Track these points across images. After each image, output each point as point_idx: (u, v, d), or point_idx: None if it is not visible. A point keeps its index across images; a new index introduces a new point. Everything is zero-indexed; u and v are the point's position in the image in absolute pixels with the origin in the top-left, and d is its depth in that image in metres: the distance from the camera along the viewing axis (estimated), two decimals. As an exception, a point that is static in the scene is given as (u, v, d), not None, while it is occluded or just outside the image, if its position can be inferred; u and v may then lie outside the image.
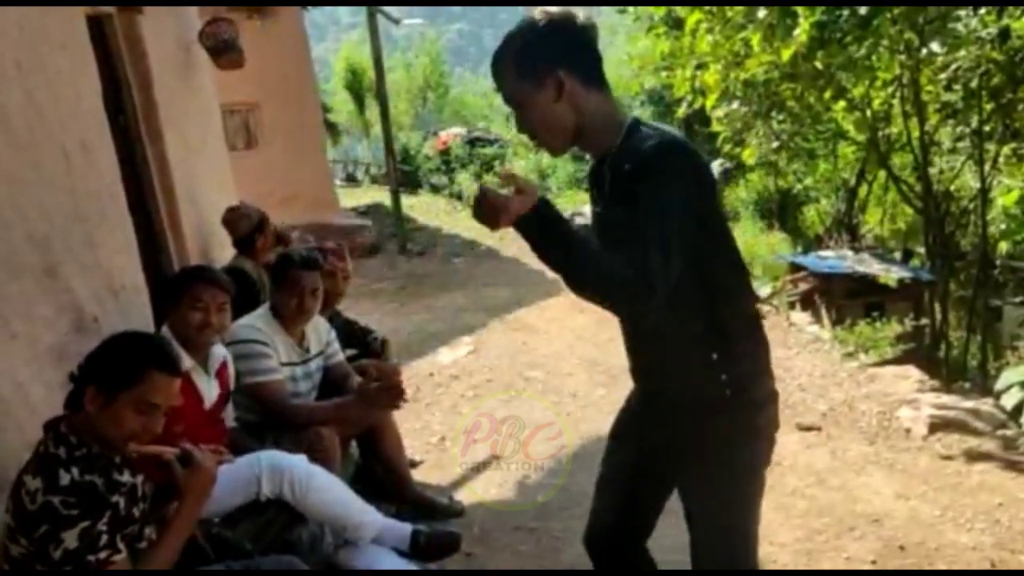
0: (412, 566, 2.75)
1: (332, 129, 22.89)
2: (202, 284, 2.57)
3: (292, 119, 10.84)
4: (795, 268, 8.03)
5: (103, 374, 1.79)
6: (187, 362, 2.48)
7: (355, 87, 25.70)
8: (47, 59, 2.65)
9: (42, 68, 2.60)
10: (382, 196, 15.30)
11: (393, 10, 13.17)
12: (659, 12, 8.42)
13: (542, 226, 1.55)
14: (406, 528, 2.80)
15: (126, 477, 1.86)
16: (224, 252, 4.60)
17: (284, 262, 3.09)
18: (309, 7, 11.78)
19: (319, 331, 3.26)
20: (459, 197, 16.69)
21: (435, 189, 18.70)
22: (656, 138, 1.59)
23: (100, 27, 3.72)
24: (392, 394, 2.80)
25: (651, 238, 1.51)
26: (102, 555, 1.70)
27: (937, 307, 7.50)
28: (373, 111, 24.94)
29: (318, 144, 11.94)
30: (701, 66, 7.72)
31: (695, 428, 1.75)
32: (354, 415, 2.96)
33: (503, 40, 1.67)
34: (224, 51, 4.81)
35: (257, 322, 3.01)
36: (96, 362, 1.84)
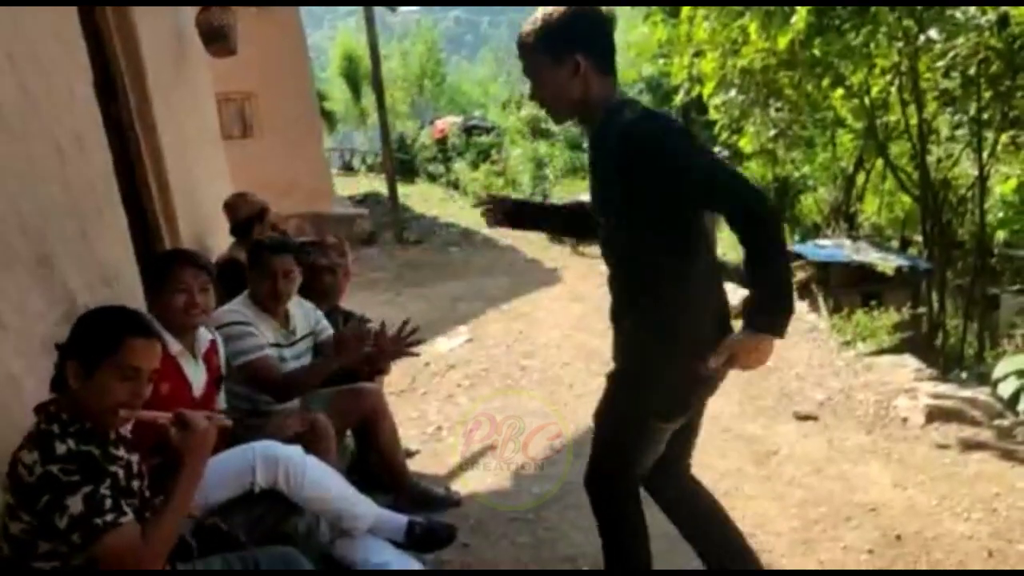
0: (408, 557, 2.74)
1: (329, 118, 22.79)
2: (183, 266, 2.55)
3: (288, 108, 10.79)
4: (793, 257, 8.02)
5: (81, 348, 1.82)
6: (174, 347, 2.47)
7: (351, 75, 25.59)
8: (40, 50, 2.62)
9: (35, 59, 2.57)
10: (379, 185, 15.27)
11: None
12: (656, -1, 8.38)
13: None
14: (402, 519, 2.79)
15: (122, 452, 1.88)
16: (219, 242, 4.59)
17: (256, 248, 3.12)
18: (305, -5, 11.70)
19: (306, 313, 3.26)
20: (456, 186, 16.64)
21: (432, 178, 18.64)
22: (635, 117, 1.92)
23: (91, 16, 3.67)
24: (363, 332, 2.87)
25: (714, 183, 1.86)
26: (109, 517, 1.70)
27: (934, 296, 7.49)
28: (369, 99, 24.81)
29: (315, 133, 11.89)
30: (698, 54, 7.69)
31: (625, 354, 2.11)
32: (336, 364, 2.94)
33: (532, 20, 1.97)
34: (216, 38, 4.76)
35: (237, 307, 3.01)
36: (73, 338, 1.86)
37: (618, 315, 2.14)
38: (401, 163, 17.45)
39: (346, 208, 12.43)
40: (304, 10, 11.72)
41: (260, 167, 9.30)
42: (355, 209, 12.56)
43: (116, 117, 3.83)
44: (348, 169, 21.92)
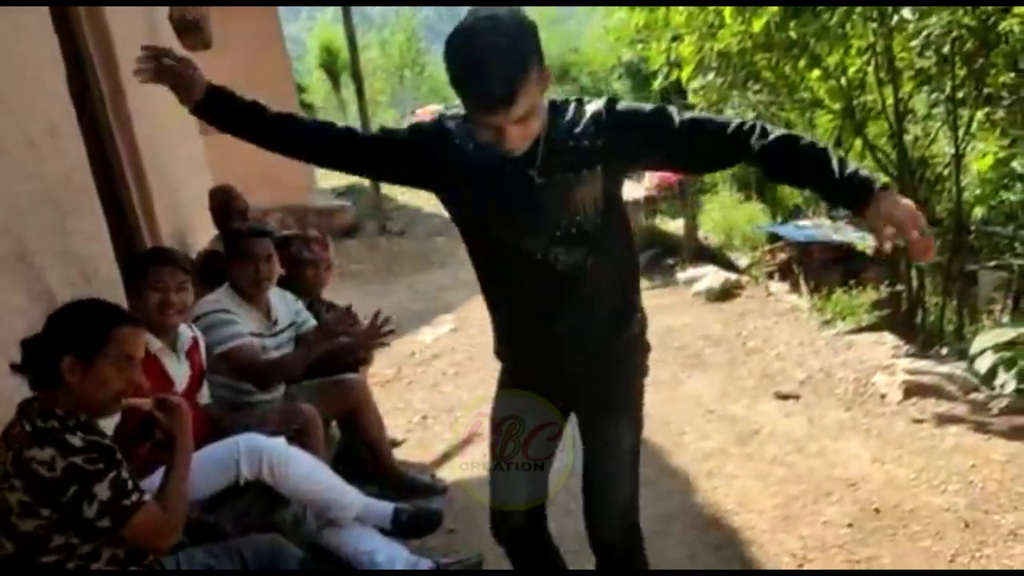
0: (396, 545, 2.77)
1: (308, 109, 22.62)
2: (158, 265, 2.57)
3: (268, 100, 10.64)
4: (773, 238, 8.07)
5: (75, 342, 1.84)
6: (154, 344, 2.48)
7: (330, 67, 25.39)
8: (9, 43, 2.60)
9: (4, 52, 2.56)
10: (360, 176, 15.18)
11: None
12: (634, -16, 8.34)
13: None
14: (388, 507, 2.82)
15: (111, 443, 1.91)
16: (200, 236, 4.57)
17: (234, 236, 3.15)
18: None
19: (288, 304, 3.27)
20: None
21: (414, 168, 18.58)
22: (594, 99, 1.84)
23: (63, 9, 3.64)
24: (345, 319, 2.87)
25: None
26: (135, 497, 1.79)
27: (913, 273, 7.55)
28: (349, 90, 24.63)
29: (294, 125, 11.79)
30: (676, 38, 7.68)
31: (610, 369, 1.93)
32: (319, 349, 2.95)
33: (519, 38, 1.59)
34: (191, 31, 4.73)
35: (217, 297, 3.03)
36: (62, 334, 1.88)
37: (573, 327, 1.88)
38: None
39: (328, 200, 12.38)
40: (280, 1, 11.60)
41: (240, 161, 9.11)
42: (337, 201, 12.51)
43: (90, 111, 3.80)
44: (329, 160, 21.77)
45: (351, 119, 26.76)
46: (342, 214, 11.44)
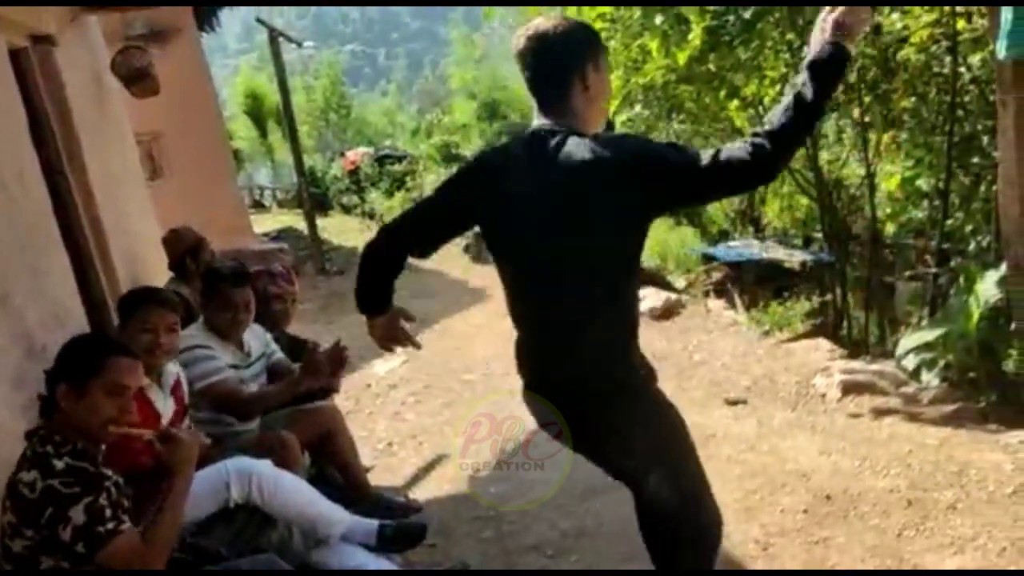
0: (383, 559, 2.85)
1: (235, 156, 22.45)
2: (151, 306, 2.61)
3: (198, 146, 10.62)
4: (707, 259, 8.44)
5: (70, 371, 1.94)
6: (141, 380, 2.53)
7: (256, 112, 25.28)
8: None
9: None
10: (292, 220, 15.18)
11: (291, 30, 13.14)
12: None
13: None
14: (372, 523, 2.89)
15: (109, 472, 1.97)
16: (155, 279, 4.57)
17: (213, 278, 3.15)
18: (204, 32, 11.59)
19: (258, 336, 3.34)
20: (371, 216, 16.68)
21: (346, 209, 18.63)
22: None
23: (16, 60, 3.68)
24: (334, 357, 2.96)
25: None
26: (110, 525, 1.81)
27: (838, 289, 7.99)
28: (275, 135, 24.60)
29: (227, 170, 11.72)
30: (602, 74, 8.03)
31: (610, 410, 1.88)
32: (305, 386, 3.03)
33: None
34: (138, 79, 4.79)
35: (193, 332, 3.07)
36: (60, 364, 1.98)
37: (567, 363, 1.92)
38: (313, 196, 17.38)
39: (265, 243, 12.32)
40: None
41: (174, 207, 9.08)
42: (274, 244, 12.46)
43: (45, 158, 3.82)
44: (258, 206, 21.62)
45: (279, 165, 26.63)
46: (281, 256, 11.38)
